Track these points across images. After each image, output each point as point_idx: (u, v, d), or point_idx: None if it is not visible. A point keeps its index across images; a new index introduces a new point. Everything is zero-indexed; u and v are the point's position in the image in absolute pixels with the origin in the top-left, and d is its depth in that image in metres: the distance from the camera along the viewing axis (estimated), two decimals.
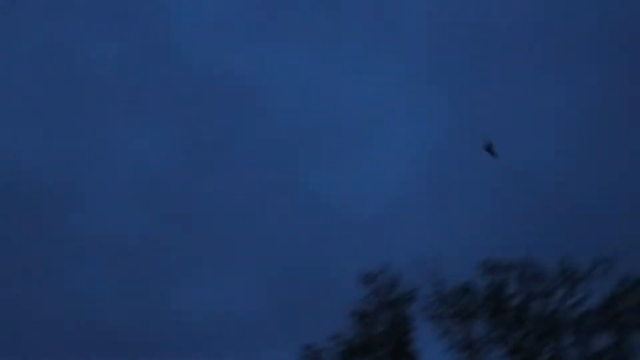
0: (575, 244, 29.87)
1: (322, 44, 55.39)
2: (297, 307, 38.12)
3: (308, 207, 46.18)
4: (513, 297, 29.44)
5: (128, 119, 52.95)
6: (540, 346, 28.61)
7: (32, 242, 43.91)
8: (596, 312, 28.45)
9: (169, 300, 41.80)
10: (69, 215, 46.79)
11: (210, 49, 55.14)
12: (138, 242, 45.63)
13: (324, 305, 33.58)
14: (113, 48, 55.20)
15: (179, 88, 53.40)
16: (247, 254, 44.11)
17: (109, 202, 48.58)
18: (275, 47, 54.90)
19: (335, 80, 53.58)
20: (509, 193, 41.70)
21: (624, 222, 33.99)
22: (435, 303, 30.28)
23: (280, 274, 41.31)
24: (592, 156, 42.89)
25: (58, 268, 42.82)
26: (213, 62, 54.27)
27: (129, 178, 50.35)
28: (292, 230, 44.56)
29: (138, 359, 34.99)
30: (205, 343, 36.85)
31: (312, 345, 31.12)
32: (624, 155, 42.08)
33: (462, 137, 47.83)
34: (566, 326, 28.41)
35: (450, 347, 29.61)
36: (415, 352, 30.47)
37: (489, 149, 29.46)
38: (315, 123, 51.98)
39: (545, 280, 29.12)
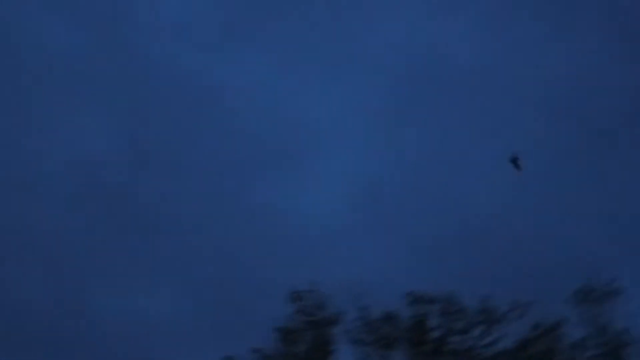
0: (499, 284, 31.09)
1: (288, 57, 55.69)
2: (222, 317, 38.11)
3: (249, 219, 46.20)
4: (433, 330, 30.30)
5: (73, 108, 51.93)
6: None
7: None
8: (509, 353, 29.56)
9: (89, 299, 41.07)
10: None
11: (172, 49, 54.81)
12: (66, 236, 44.70)
13: (249, 318, 33.72)
14: (69, 33, 54.19)
15: (134, 85, 52.81)
16: (179, 258, 43.81)
17: (38, 191, 47.50)
18: (238, 53, 55.04)
19: (296, 94, 54.00)
20: (443, 229, 42.90)
21: (546, 267, 35.52)
22: (358, 328, 30.85)
23: (209, 282, 41.17)
24: (526, 198, 44.59)
25: None
26: (173, 63, 53.95)
27: (65, 168, 49.32)
28: (228, 239, 44.47)
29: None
30: (123, 346, 36.34)
31: (232, 356, 31.21)
32: (554, 202, 43.96)
33: (408, 168, 49.48)
34: None
35: None
36: None
37: (514, 162, 29.78)
38: (269, 134, 52.30)
39: (465, 317, 30.11)
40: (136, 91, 52.38)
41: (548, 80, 50.72)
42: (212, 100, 52.94)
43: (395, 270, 37.63)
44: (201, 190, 48.54)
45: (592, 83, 49.43)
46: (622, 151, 46.20)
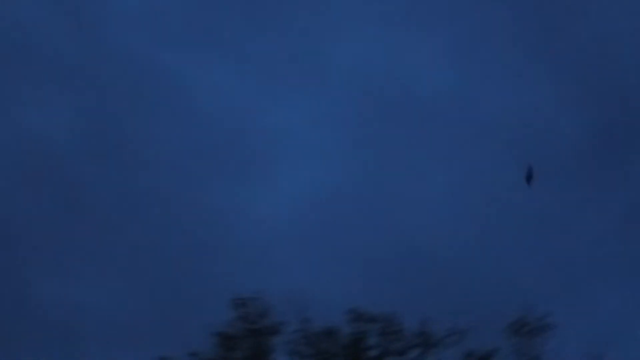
0: (439, 309, 31.88)
1: (255, 66, 55.86)
2: (163, 317, 37.91)
3: (201, 221, 46.10)
4: (371, 349, 30.83)
5: (31, 92, 50.92)
6: None
7: None
8: None
9: (32, 287, 40.31)
10: None
11: (139, 43, 54.31)
12: (13, 217, 43.81)
13: (190, 320, 33.63)
14: (31, 8, 53.00)
15: (96, 74, 52.16)
16: (124, 254, 43.41)
17: None
18: (205, 55, 54.95)
19: (259, 99, 54.18)
20: (391, 249, 43.72)
21: (485, 297, 36.60)
22: (298, 340, 31.14)
23: (153, 281, 40.92)
24: (471, 229, 45.83)
25: None
26: (139, 56, 53.46)
27: (18, 153, 48.33)
28: (178, 240, 44.30)
29: None
30: (59, 337, 35.79)
31: (167, 357, 31.04)
32: (497, 234, 45.31)
33: (362, 185, 50.27)
34: None
35: None
36: None
37: (529, 176, 30.32)
38: (230, 137, 52.30)
39: (403, 339, 30.74)
40: (100, 84, 51.79)
41: (503, 113, 52.35)
42: (176, 99, 52.79)
43: (340, 285, 38.15)
44: (155, 188, 48.18)
45: (541, 122, 51.24)
46: (563, 188, 47.95)
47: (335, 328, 31.40)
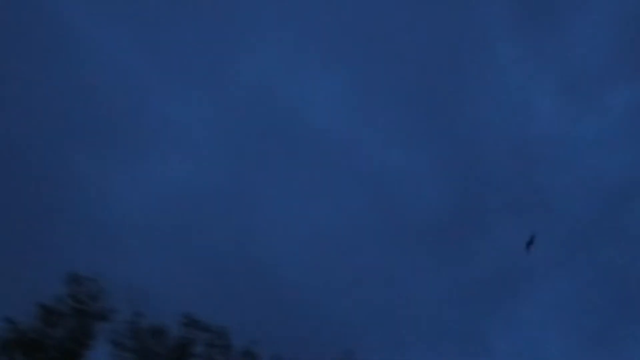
0: (270, 333, 32.71)
1: (169, 52, 54.82)
2: None
3: (57, 186, 44.00)
4: (195, 357, 30.89)
5: None
6: None
7: None
8: None
9: None
10: None
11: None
12: None
13: (16, 287, 31.93)
14: None
15: None
16: None
17: None
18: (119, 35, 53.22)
19: (161, 87, 53.15)
20: (238, 264, 44.23)
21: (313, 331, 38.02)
22: (124, 332, 30.53)
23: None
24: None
25: None
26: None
27: None
28: (29, 200, 41.96)
29: None
30: None
31: None
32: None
33: (230, 192, 50.58)
34: None
35: None
36: None
37: (530, 242, 31.10)
38: (117, 115, 50.71)
39: (228, 355, 31.15)
40: None
41: (379, 165, 55.24)
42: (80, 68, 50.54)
43: (180, 287, 37.97)
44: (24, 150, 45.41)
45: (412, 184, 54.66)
46: (415, 250, 51.19)
47: (165, 328, 31.15)
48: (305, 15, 57.71)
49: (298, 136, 55.73)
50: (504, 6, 58.97)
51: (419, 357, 42.16)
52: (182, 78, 55.06)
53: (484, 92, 58.87)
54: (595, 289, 48.52)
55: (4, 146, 44.41)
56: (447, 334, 45.40)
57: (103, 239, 40.50)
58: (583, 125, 57.80)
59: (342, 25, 57.90)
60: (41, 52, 49.81)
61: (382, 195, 55.07)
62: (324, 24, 58.32)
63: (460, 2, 58.26)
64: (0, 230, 38.60)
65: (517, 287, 50.23)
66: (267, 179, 53.67)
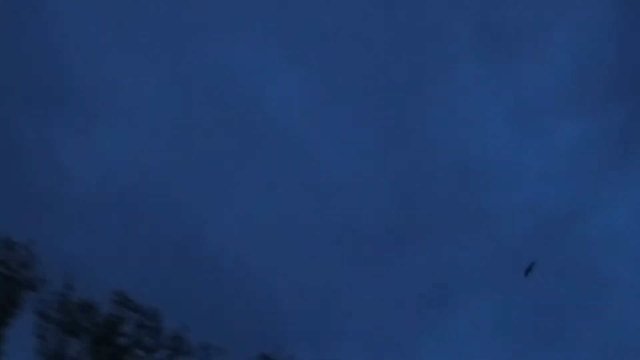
0: (203, 322, 32.54)
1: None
2: None
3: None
4: (123, 336, 30.43)
5: None
6: None
7: None
8: None
9: None
10: None
11: None
12: None
13: None
14: None
15: None
16: None
17: None
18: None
19: (123, 59, 52.13)
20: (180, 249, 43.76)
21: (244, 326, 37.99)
22: (52, 303, 29.82)
23: None
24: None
25: None
26: None
27: None
28: None
29: None
30: None
31: None
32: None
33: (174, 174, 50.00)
34: None
35: (38, 349, 29.14)
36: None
37: (528, 269, 31.13)
38: (73, 83, 49.42)
39: (157, 337, 30.81)
40: None
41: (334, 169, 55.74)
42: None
43: (116, 263, 37.41)
44: None
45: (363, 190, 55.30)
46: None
47: (95, 304, 30.57)
48: (276, 9, 57.54)
49: (252, 126, 55.61)
50: (470, 26, 60.22)
51: (346, 358, 42.72)
52: (142, 51, 54.11)
53: (440, 108, 59.95)
54: (521, 310, 50.12)
55: None
56: (377, 340, 46.09)
57: (41, 207, 39.46)
58: (530, 153, 59.57)
59: (312, 27, 58.13)
60: None
61: (329, 196, 55.45)
62: (294, 21, 58.39)
63: (427, 16, 59.18)
64: None
65: (449, 300, 51.47)
66: (216, 163, 53.36)
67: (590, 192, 56.16)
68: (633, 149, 57.05)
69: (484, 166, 57.50)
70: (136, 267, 38.11)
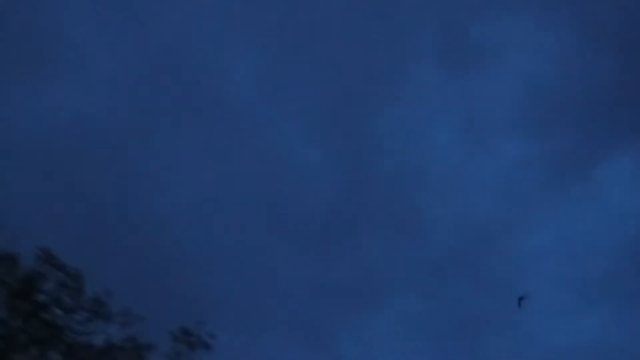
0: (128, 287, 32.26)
1: None
2: None
3: None
4: (41, 293, 29.79)
5: None
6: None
7: None
8: (92, 349, 30.42)
9: None
10: None
11: None
12: None
13: None
14: None
15: None
16: None
17: None
18: None
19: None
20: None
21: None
22: None
23: None
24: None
25: None
26: None
27: None
28: None
29: None
30: None
31: None
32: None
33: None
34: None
35: None
36: None
37: (521, 300, 31.15)
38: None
39: (77, 298, 30.37)
40: None
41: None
42: None
43: (45, 219, 36.70)
44: None
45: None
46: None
47: (17, 257, 29.84)
48: None
49: (206, 99, 55.03)
50: (433, 33, 61.05)
51: (265, 344, 43.08)
52: (100, 3, 52.75)
53: (393, 109, 60.69)
54: (440, 317, 51.59)
55: None
56: (299, 331, 46.70)
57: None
58: (472, 166, 60.95)
59: (274, 10, 57.71)
60: None
61: (272, 182, 55.55)
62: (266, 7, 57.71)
63: (393, 15, 59.68)
64: None
65: (373, 298, 52.45)
66: (164, 130, 52.68)
67: (521, 212, 58.09)
68: (569, 176, 59.21)
69: (426, 172, 58.64)
70: (66, 227, 37.45)
